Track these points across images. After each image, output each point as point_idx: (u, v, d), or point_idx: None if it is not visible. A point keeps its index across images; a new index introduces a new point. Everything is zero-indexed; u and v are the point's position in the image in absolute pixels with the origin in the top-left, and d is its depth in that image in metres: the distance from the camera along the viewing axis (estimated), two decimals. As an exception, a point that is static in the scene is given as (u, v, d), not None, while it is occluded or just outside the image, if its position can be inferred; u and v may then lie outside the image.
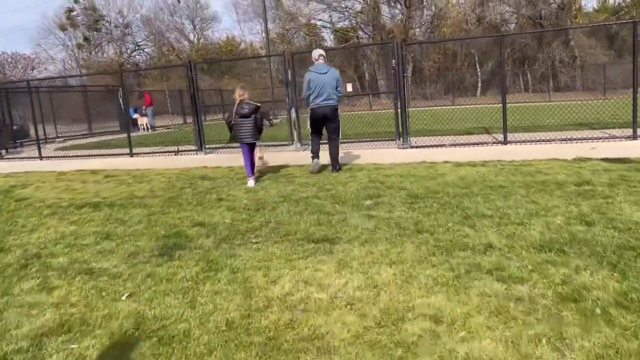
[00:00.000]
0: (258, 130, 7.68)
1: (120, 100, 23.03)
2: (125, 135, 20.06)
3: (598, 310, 2.81)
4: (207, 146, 12.29)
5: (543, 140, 10.01)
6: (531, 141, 10.08)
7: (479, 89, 37.24)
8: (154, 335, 2.92)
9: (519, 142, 10.13)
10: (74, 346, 2.88)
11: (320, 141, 8.49)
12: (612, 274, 3.27)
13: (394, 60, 10.53)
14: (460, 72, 37.20)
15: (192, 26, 50.65)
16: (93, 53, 47.15)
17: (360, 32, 42.00)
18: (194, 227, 5.24)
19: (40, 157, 13.61)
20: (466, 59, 37.67)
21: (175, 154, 12.39)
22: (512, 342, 2.56)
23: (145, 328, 3.03)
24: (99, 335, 2.99)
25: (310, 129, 8.42)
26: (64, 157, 13.61)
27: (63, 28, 45.79)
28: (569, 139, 9.84)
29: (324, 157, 8.41)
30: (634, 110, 9.50)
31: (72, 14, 46.11)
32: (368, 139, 11.76)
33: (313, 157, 8.34)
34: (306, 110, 10.92)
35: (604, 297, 2.96)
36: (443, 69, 37.45)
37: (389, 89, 37.97)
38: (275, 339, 2.78)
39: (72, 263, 4.35)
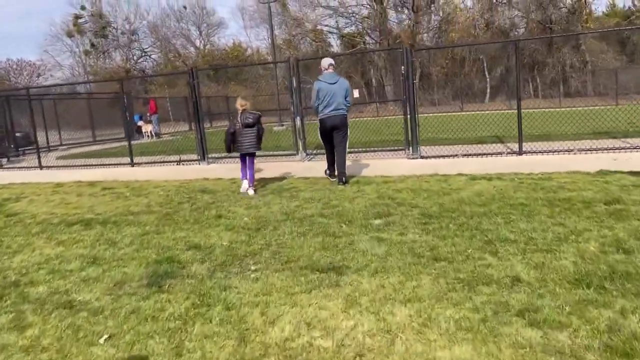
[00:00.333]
0: (259, 139, 7.64)
1: (125, 107, 22.95)
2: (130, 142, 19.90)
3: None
4: (210, 155, 11.90)
5: (560, 151, 9.52)
6: (548, 151, 9.59)
7: (488, 95, 36.72)
8: (130, 395, 2.49)
9: (534, 152, 9.65)
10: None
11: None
12: (665, 319, 2.81)
13: (403, 67, 10.09)
14: (469, 77, 36.71)
15: (198, 32, 50.54)
16: (100, 60, 47.09)
17: (367, 38, 41.62)
18: (188, 250, 4.82)
19: (40, 167, 13.29)
20: (474, 64, 37.16)
21: (177, 164, 12.01)
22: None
23: (120, 384, 2.60)
24: (66, 392, 2.57)
25: (322, 141, 8.20)
26: (64, 166, 13.27)
27: (70, 35, 45.78)
28: (588, 149, 9.35)
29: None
30: (658, 119, 9.00)
31: (80, 20, 46.10)
32: (376, 149, 11.33)
33: (330, 174, 8.11)
34: (312, 118, 10.56)
35: (661, 350, 2.50)
36: (451, 75, 36.98)
37: (397, 95, 37.61)
38: (271, 403, 2.34)
39: (51, 294, 3.93)
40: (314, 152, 11.59)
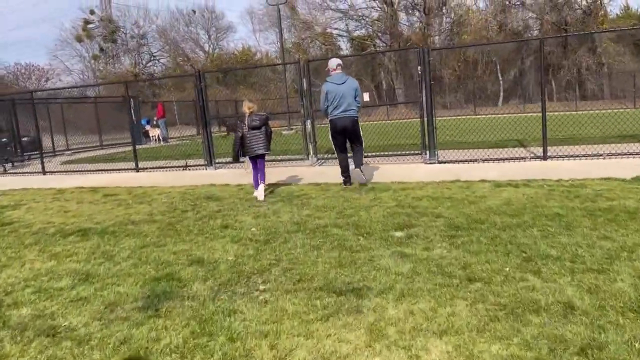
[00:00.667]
0: (268, 140, 7.47)
1: (132, 111, 22.65)
2: (137, 147, 19.55)
3: None
4: (218, 161, 11.47)
5: (588, 155, 8.96)
6: (574, 156, 9.03)
7: (501, 98, 36.07)
8: None
9: (560, 157, 9.10)
10: None
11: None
12: None
13: (419, 67, 9.60)
14: (481, 80, 36.10)
15: (207, 36, 50.38)
16: (109, 64, 47.04)
17: (378, 41, 41.15)
18: (190, 265, 4.35)
19: (44, 172, 12.93)
20: (487, 67, 36.55)
21: (183, 169, 11.59)
22: None
23: None
24: None
25: (333, 145, 7.93)
26: (68, 172, 12.91)
27: (79, 39, 45.79)
28: (619, 154, 8.79)
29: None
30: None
31: (89, 25, 46.11)
32: (391, 153, 10.82)
33: (345, 181, 7.77)
34: (322, 121, 10.10)
35: None
36: (463, 77, 36.41)
37: (407, 97, 37.10)
38: None
39: (35, 317, 3.48)
40: (325, 156, 11.13)
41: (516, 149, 10.53)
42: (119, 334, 3.12)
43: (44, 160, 15.00)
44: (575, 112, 25.52)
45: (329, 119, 7.73)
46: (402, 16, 40.74)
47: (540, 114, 12.86)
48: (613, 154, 8.81)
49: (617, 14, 40.26)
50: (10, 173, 13.84)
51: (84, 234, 5.83)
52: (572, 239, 4.24)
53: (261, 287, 3.73)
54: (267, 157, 7.78)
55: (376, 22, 40.65)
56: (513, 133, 12.71)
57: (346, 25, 42.78)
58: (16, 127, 16.66)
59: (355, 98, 7.59)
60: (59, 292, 3.94)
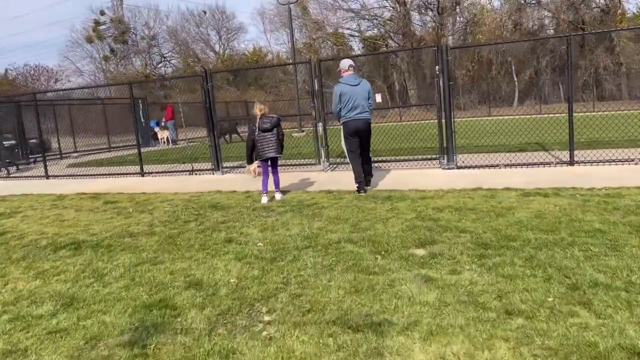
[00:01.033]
0: (280, 143, 7.32)
1: (141, 113, 22.32)
2: (145, 150, 19.18)
3: None
4: (225, 165, 11.02)
5: (618, 160, 8.37)
6: (603, 161, 8.45)
7: (516, 98, 35.32)
8: None
9: (587, 162, 8.52)
10: None
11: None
12: None
13: (437, 67, 9.07)
14: (496, 80, 35.38)
15: (217, 37, 50.15)
16: (120, 65, 46.98)
17: (390, 41, 40.56)
18: (187, 288, 3.88)
19: (47, 176, 12.59)
20: (502, 67, 35.81)
21: (189, 174, 11.16)
22: None
23: None
24: None
25: (346, 148, 7.54)
26: (71, 176, 12.55)
27: (90, 40, 45.78)
28: (652, 159, 8.19)
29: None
30: None
31: (100, 27, 46.08)
32: (405, 157, 10.29)
33: (359, 189, 7.32)
34: (334, 123, 9.61)
35: None
36: (477, 78, 35.71)
37: (420, 99, 36.47)
38: None
39: (6, 354, 3.04)
40: (337, 160, 10.64)
41: (538, 153, 9.95)
42: (98, 379, 2.65)
43: (50, 163, 14.72)
44: (593, 113, 24.72)
45: (343, 121, 7.41)
46: (415, 16, 40.17)
47: (558, 115, 12.21)
48: (646, 159, 8.22)
49: (634, 13, 39.31)
50: (13, 177, 13.53)
51: (77, 248, 5.39)
52: (621, 262, 3.70)
53: (266, 319, 3.24)
54: (279, 162, 7.64)
55: (388, 22, 40.07)
56: (533, 135, 12.13)
57: (358, 25, 42.30)
58: (22, 130, 16.34)
59: (368, 100, 7.40)
60: (37, 321, 3.49)
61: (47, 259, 5.04)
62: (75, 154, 19.26)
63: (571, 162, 8.53)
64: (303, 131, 21.71)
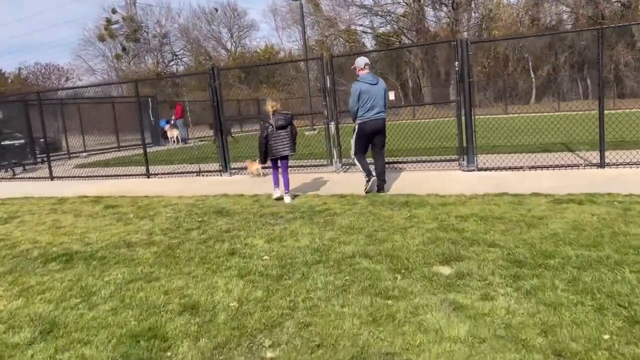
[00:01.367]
0: (294, 140, 7.13)
1: (150, 111, 22.00)
2: (154, 149, 18.88)
3: None
4: (233, 166, 10.58)
5: (654, 162, 7.78)
6: (636, 163, 7.86)
7: (533, 96, 34.46)
8: None
9: (619, 164, 7.93)
10: None
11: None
12: None
13: (456, 63, 8.54)
14: (512, 77, 34.54)
15: (229, 35, 49.82)
16: (131, 64, 46.86)
17: (404, 37, 39.87)
18: (182, 313, 3.43)
19: (51, 177, 12.27)
20: (519, 63, 34.96)
21: (196, 175, 10.75)
22: None
23: None
24: None
25: (355, 147, 7.33)
26: (76, 177, 12.21)
27: (102, 39, 45.68)
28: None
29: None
30: None
31: (113, 26, 45.96)
32: (422, 158, 9.75)
33: (369, 178, 7.23)
34: (347, 121, 9.12)
35: None
36: (493, 75, 34.90)
37: (434, 96, 35.75)
38: None
39: (-34, 395, 2.61)
40: (350, 161, 10.13)
41: (564, 154, 9.35)
42: None
43: (58, 163, 14.42)
44: (613, 111, 23.87)
45: (360, 121, 7.15)
46: (429, 12, 39.40)
47: (579, 113, 11.55)
48: (685, 162, 7.61)
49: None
50: (17, 178, 13.24)
51: (69, 260, 4.98)
52: (685, 288, 3.18)
53: (268, 355, 2.78)
54: (289, 163, 7.51)
55: (402, 18, 39.36)
56: (555, 134, 11.51)
57: (371, 21, 41.63)
58: (29, 129, 16.07)
59: (384, 99, 7.26)
60: (11, 352, 3.06)
61: (35, 273, 4.63)
62: (84, 154, 18.99)
63: (602, 164, 7.95)
64: (315, 129, 21.23)
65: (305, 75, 28.67)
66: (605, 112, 8.49)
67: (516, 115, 24.40)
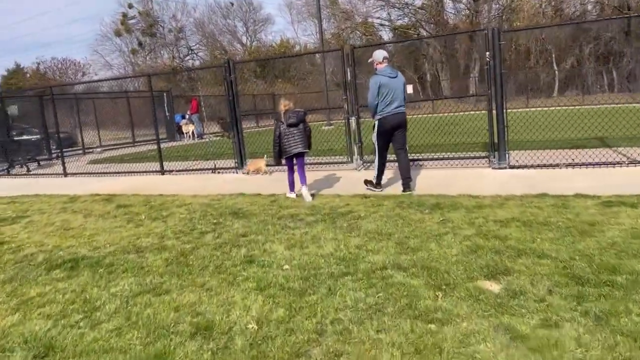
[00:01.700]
0: (307, 138, 6.95)
1: (166, 106, 21.72)
2: (169, 144, 18.60)
3: None
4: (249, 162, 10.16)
5: None
6: (685, 160, 7.26)
7: (556, 89, 33.45)
8: None
9: (665, 161, 7.33)
10: None
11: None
12: None
13: (488, 54, 7.99)
14: (534, 70, 33.57)
15: (245, 29, 49.44)
16: (148, 58, 46.78)
17: (422, 30, 39.08)
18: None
19: (65, 174, 12.00)
20: (541, 56, 33.97)
21: (212, 172, 10.36)
22: None
23: None
24: None
25: (378, 144, 6.95)
26: (90, 173, 11.91)
27: (118, 33, 45.63)
28: None
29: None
30: None
31: (130, 21, 45.87)
32: (448, 155, 9.22)
33: (378, 186, 7.06)
34: (366, 116, 8.64)
35: None
36: (514, 67, 33.96)
37: (454, 90, 34.95)
38: None
39: None
40: (371, 157, 9.64)
41: (602, 150, 8.74)
42: None
43: (72, 159, 14.20)
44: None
45: (381, 116, 6.79)
46: (449, 3, 38.48)
47: (605, 107, 10.79)
48: None
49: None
50: (31, 174, 13.00)
51: (74, 267, 4.60)
52: None
53: (294, 395, 2.34)
54: (306, 159, 7.31)
55: (420, 10, 38.56)
56: (587, 129, 10.82)
57: (388, 14, 40.86)
58: (44, 124, 15.86)
59: (404, 93, 6.97)
60: (-2, 382, 2.67)
61: (37, 282, 4.26)
62: (99, 149, 18.78)
63: (646, 162, 7.36)
64: (332, 124, 20.74)
65: (321, 69, 28.15)
66: (632, 105, 7.85)
67: (539, 109, 23.63)
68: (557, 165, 7.76)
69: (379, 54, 6.91)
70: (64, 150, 17.28)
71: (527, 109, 25.95)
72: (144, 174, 11.05)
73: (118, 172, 11.49)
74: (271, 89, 34.07)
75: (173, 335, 3.04)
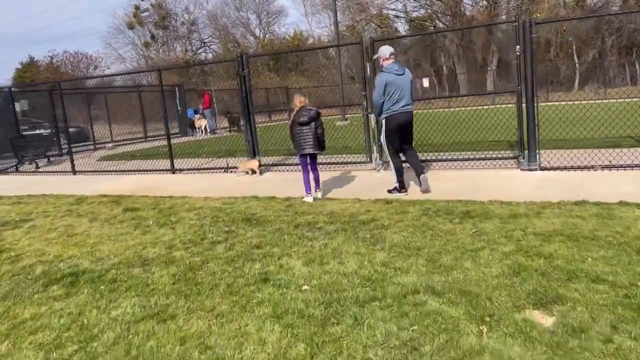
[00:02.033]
0: (318, 139, 6.69)
1: (178, 101, 21.39)
2: (181, 140, 18.29)
3: None
4: (263, 162, 9.75)
5: None
6: None
7: (577, 82, 32.53)
8: None
9: None
10: None
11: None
12: None
13: (518, 47, 7.47)
14: (554, 63, 32.67)
15: (258, 21, 48.97)
16: (160, 51, 46.57)
17: (438, 22, 38.28)
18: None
19: (74, 172, 11.70)
20: (562, 48, 33.05)
21: (224, 171, 9.98)
22: None
23: None
24: None
25: (389, 145, 6.76)
26: (99, 171, 11.59)
27: (131, 26, 45.44)
28: None
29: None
30: None
31: (143, 14, 45.65)
32: (470, 155, 8.70)
33: (402, 186, 6.71)
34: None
35: None
36: (534, 60, 33.06)
37: (471, 84, 34.17)
38: None
39: None
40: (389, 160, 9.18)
41: (638, 149, 8.18)
42: None
43: (82, 155, 13.92)
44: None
45: (388, 114, 6.58)
46: (465, -6, 37.60)
47: (627, 101, 10.17)
48: None
49: None
50: (40, 172, 12.74)
51: (74, 282, 4.23)
52: None
53: None
54: (321, 159, 7.26)
55: (436, 1, 37.74)
56: (620, 127, 10.21)
57: (404, 5, 40.07)
58: (54, 120, 15.59)
59: (411, 91, 6.77)
60: None
61: (32, 301, 3.90)
62: (110, 144, 18.52)
63: (692, 165, 6.81)
64: (347, 119, 20.26)
65: (335, 62, 27.61)
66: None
67: (559, 103, 22.87)
68: (592, 167, 7.23)
69: (386, 50, 6.69)
70: (76, 145, 17.09)
71: (548, 104, 25.24)
72: (155, 172, 10.71)
73: (128, 170, 11.17)
74: (284, 82, 33.64)
75: (177, 377, 2.64)
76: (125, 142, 19.19)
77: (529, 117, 7.52)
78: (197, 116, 21.66)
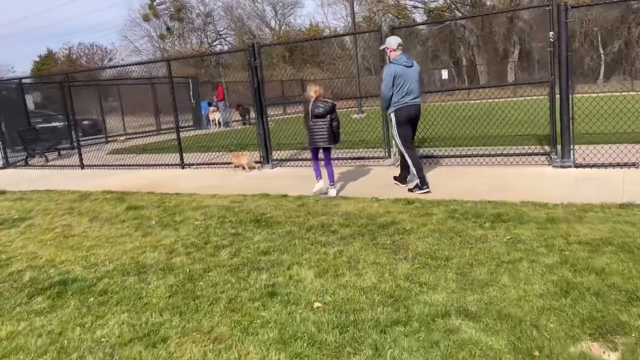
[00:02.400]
0: (333, 132, 6.40)
1: (191, 93, 21.02)
2: (194, 133, 17.91)
3: None
4: (275, 157, 9.28)
5: None
6: None
7: (602, 74, 31.44)
8: None
9: None
10: None
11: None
12: None
13: (551, 33, 6.86)
14: (578, 53, 31.56)
15: (273, 12, 48.40)
16: (176, 43, 46.34)
17: (457, 12, 37.30)
18: None
19: (82, 166, 11.38)
20: (586, 38, 31.92)
21: (235, 167, 9.53)
22: None
23: None
24: None
25: (401, 139, 6.45)
26: (108, 166, 11.24)
27: (146, 18, 45.25)
28: None
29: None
30: None
31: (159, 6, 45.40)
32: (496, 150, 8.11)
33: (423, 182, 6.22)
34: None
35: None
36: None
37: (490, 76, 33.28)
38: None
39: None
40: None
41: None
42: None
43: (92, 148, 13.62)
44: None
45: (398, 107, 6.32)
46: (486, -17, 36.49)
47: None
48: None
49: None
50: (49, 165, 12.44)
51: (61, 293, 3.82)
52: None
53: None
54: (337, 153, 6.97)
55: (456, -10, 36.74)
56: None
57: (422, -5, 39.14)
58: (65, 112, 15.33)
59: (419, 83, 6.53)
60: None
61: (12, 316, 3.48)
62: (122, 138, 18.24)
63: None
64: (363, 112, 19.69)
65: (351, 53, 26.97)
66: None
67: (583, 95, 21.91)
68: (633, 164, 6.61)
69: (393, 41, 6.49)
70: (88, 137, 16.87)
71: (575, 95, 24.26)
72: (164, 167, 10.32)
73: (137, 165, 10.80)
74: (300, 74, 33.11)
75: None
76: (137, 135, 18.88)
77: (562, 109, 6.92)
78: (211, 108, 21.30)
